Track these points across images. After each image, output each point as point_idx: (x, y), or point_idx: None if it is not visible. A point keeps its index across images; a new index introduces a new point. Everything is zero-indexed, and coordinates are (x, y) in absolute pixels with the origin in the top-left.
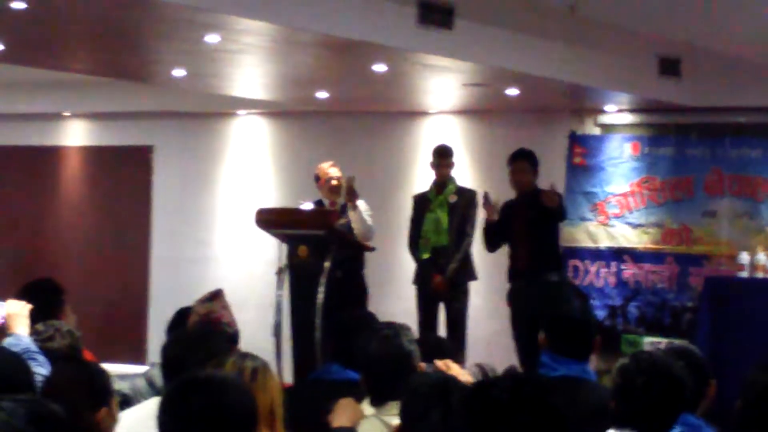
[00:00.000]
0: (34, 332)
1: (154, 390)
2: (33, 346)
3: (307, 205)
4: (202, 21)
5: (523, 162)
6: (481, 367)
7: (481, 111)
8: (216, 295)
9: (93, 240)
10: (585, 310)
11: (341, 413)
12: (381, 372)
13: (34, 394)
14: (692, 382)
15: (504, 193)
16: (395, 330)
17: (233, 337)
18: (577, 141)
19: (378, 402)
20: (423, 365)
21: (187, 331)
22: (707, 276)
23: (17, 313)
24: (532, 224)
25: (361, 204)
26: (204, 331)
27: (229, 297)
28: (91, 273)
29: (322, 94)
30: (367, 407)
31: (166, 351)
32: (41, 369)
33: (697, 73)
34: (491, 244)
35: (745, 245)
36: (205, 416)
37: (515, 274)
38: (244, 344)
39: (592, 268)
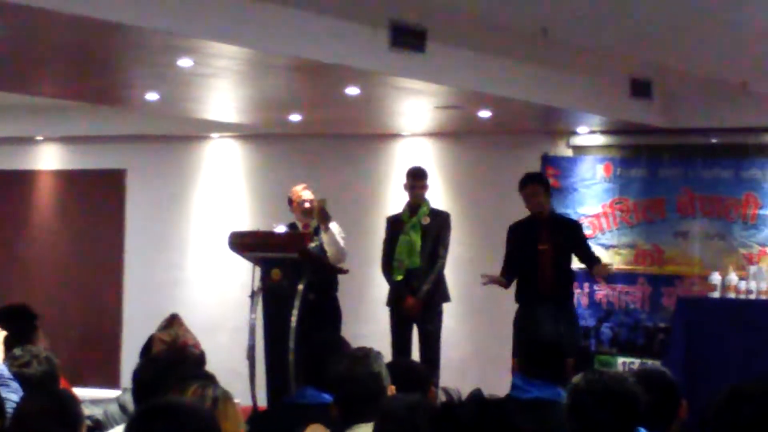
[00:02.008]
0: (10, 357)
1: (126, 415)
2: (6, 372)
3: (281, 228)
4: (175, 45)
5: (534, 185)
6: (446, 390)
7: (453, 133)
8: (173, 320)
9: (66, 264)
10: (555, 331)
11: None
12: (349, 393)
13: (4, 420)
14: (660, 400)
15: (473, 213)
16: (365, 352)
17: (200, 358)
18: (550, 162)
19: (346, 424)
20: (393, 388)
21: (158, 355)
22: (680, 296)
23: None
24: (558, 250)
25: (333, 226)
26: (174, 356)
27: (203, 320)
28: (64, 297)
29: (295, 117)
30: None
31: (137, 376)
32: (13, 395)
33: (668, 95)
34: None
35: (717, 266)
36: None
37: (535, 297)
38: (218, 367)
39: None
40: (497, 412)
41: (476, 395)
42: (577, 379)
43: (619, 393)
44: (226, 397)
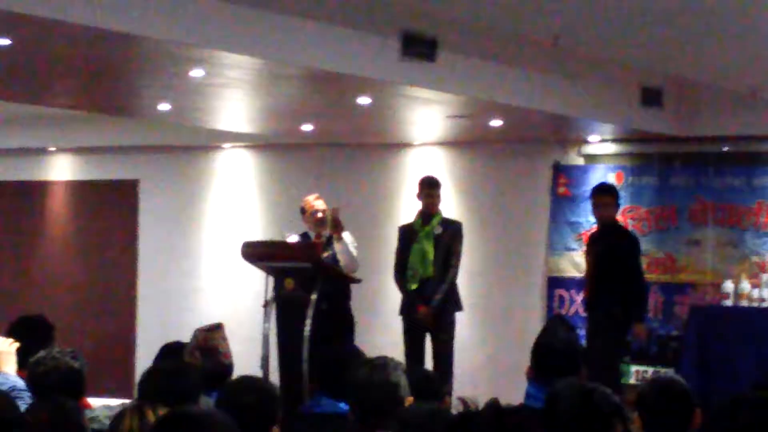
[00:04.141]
0: (33, 363)
1: None
2: (20, 384)
3: (293, 238)
4: (187, 56)
5: (605, 196)
6: (462, 400)
7: (465, 142)
8: (218, 327)
9: (79, 274)
10: (570, 340)
11: None
12: (368, 401)
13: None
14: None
15: (485, 222)
16: (384, 360)
17: (228, 369)
18: (562, 171)
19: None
20: (411, 399)
21: (163, 366)
22: (692, 305)
23: (4, 351)
24: (600, 257)
25: (346, 236)
26: (179, 366)
27: None
28: (77, 307)
29: (306, 127)
30: None
31: (142, 386)
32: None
33: (679, 103)
34: None
35: (730, 274)
36: None
37: (586, 305)
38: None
39: (578, 298)
40: (514, 421)
41: (493, 405)
42: (559, 385)
43: (589, 404)
44: None
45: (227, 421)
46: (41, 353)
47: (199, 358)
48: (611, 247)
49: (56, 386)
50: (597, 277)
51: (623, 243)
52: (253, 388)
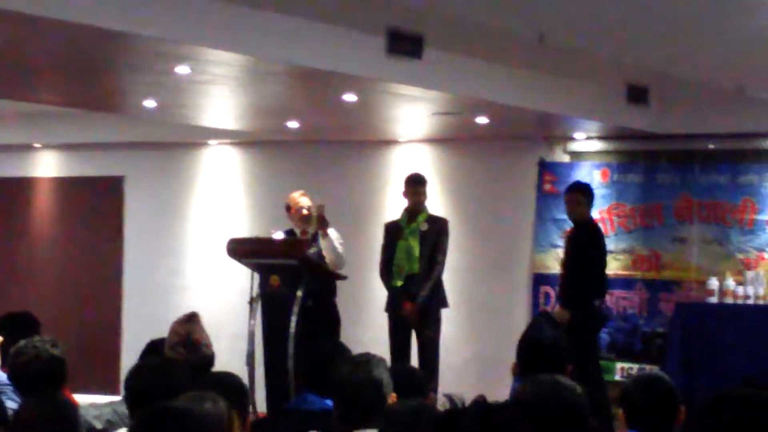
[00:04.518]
0: (13, 353)
1: (123, 422)
2: (3, 379)
3: (279, 235)
4: (172, 52)
5: (571, 194)
6: (449, 396)
7: (451, 139)
8: (193, 317)
9: (65, 270)
10: (555, 337)
11: None
12: (350, 398)
13: (6, 427)
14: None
15: (471, 219)
16: (367, 357)
17: (211, 359)
18: (547, 168)
19: (346, 429)
20: (394, 396)
21: (149, 362)
22: (677, 302)
23: None
24: (568, 255)
25: (332, 232)
26: (165, 362)
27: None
28: (62, 303)
29: (292, 124)
30: None
31: (129, 383)
32: (11, 402)
33: (665, 101)
34: None
35: (715, 271)
36: None
37: (560, 302)
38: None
39: None
40: (501, 418)
41: (480, 401)
42: (526, 385)
43: (555, 403)
44: (230, 411)
45: (209, 412)
46: (20, 343)
47: (184, 353)
48: (578, 245)
49: (38, 375)
50: (566, 275)
51: (586, 239)
52: (222, 383)
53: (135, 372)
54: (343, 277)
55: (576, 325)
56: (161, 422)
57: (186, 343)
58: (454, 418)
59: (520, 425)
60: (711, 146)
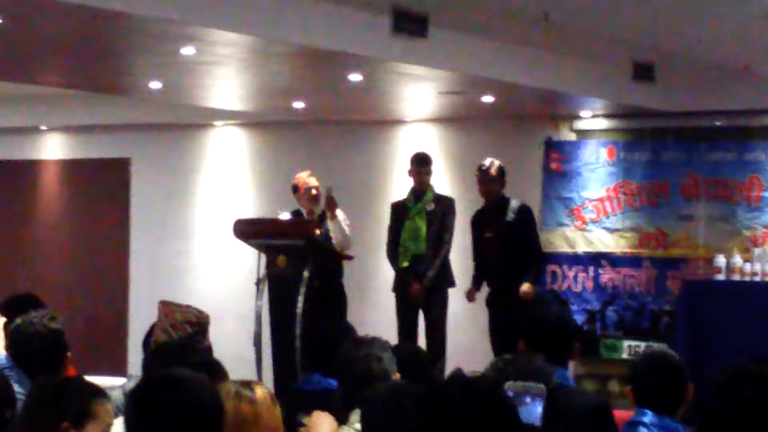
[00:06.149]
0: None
1: None
2: (7, 363)
3: (285, 215)
4: (178, 33)
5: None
6: (459, 371)
7: (457, 118)
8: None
9: (71, 252)
10: (562, 315)
11: (314, 426)
12: (351, 378)
13: (14, 409)
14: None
15: (477, 198)
16: (370, 338)
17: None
18: (553, 147)
19: (348, 409)
20: (398, 376)
21: (168, 344)
22: (684, 279)
23: None
24: (500, 234)
25: (339, 213)
26: (184, 343)
27: (209, 307)
28: (70, 285)
29: (298, 104)
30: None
31: (148, 365)
32: (16, 385)
33: (671, 78)
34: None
35: (722, 248)
36: (169, 412)
37: (489, 280)
38: (224, 354)
39: (570, 273)
40: (483, 385)
41: (457, 374)
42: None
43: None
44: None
45: (203, 381)
46: (17, 320)
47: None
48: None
49: (40, 351)
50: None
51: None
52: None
53: (153, 354)
54: (350, 258)
55: None
56: (157, 389)
57: (198, 325)
58: (437, 393)
59: (501, 395)
60: (717, 123)
